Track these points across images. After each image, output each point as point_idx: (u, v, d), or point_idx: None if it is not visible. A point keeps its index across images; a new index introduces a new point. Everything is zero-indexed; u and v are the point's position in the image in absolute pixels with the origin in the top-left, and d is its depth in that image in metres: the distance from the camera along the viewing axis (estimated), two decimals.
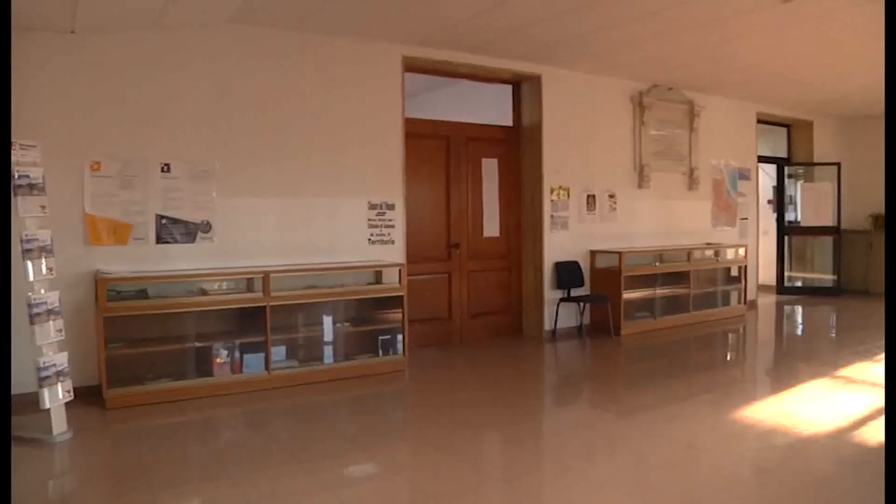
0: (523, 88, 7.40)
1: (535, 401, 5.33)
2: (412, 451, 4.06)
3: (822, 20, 5.75)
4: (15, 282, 4.06)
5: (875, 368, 5.74)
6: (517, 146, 7.44)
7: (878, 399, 4.74)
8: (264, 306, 5.16)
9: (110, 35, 4.98)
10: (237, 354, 5.12)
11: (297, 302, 5.41)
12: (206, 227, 5.34)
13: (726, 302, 8.83)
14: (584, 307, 7.48)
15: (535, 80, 7.21)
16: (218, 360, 5.05)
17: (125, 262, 5.03)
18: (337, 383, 5.39)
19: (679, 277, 8.09)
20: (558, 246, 7.35)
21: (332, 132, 5.90)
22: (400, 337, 5.80)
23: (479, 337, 7.18)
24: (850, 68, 7.58)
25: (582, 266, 7.51)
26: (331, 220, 5.92)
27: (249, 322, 5.22)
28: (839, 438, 4.00)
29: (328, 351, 5.56)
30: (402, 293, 5.80)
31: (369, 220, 6.10)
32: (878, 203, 10.85)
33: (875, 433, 4.04)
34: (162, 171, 5.16)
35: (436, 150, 6.93)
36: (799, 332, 8.57)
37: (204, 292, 5.12)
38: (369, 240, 6.09)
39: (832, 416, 4.40)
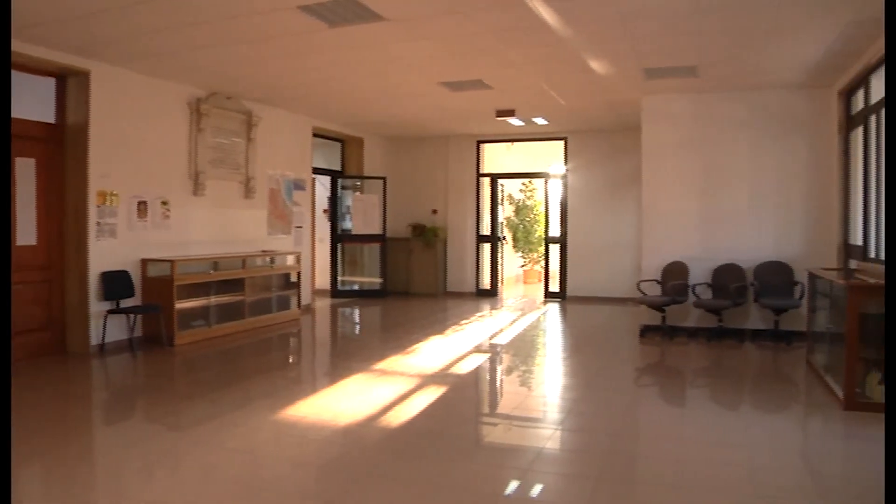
0: (69, 84, 7.33)
1: (83, 422, 5.35)
2: None
3: (367, 50, 6.82)
4: None
5: (405, 360, 7.22)
6: (61, 146, 7.33)
7: (404, 387, 6.05)
8: None
9: None
10: None
11: None
12: None
13: (283, 307, 9.84)
14: (134, 319, 7.68)
15: (84, 77, 7.20)
16: None
17: None
18: None
19: (235, 285, 8.83)
20: (106, 255, 7.44)
21: None
22: None
23: (14, 359, 6.84)
24: (394, 95, 9.14)
25: (132, 275, 7.72)
26: None
27: None
28: (369, 425, 5.01)
29: None
30: None
31: None
32: (415, 214, 13.15)
33: (397, 417, 5.21)
34: None
35: None
36: (348, 332, 10.08)
37: None
38: None
39: (366, 405, 5.48)
